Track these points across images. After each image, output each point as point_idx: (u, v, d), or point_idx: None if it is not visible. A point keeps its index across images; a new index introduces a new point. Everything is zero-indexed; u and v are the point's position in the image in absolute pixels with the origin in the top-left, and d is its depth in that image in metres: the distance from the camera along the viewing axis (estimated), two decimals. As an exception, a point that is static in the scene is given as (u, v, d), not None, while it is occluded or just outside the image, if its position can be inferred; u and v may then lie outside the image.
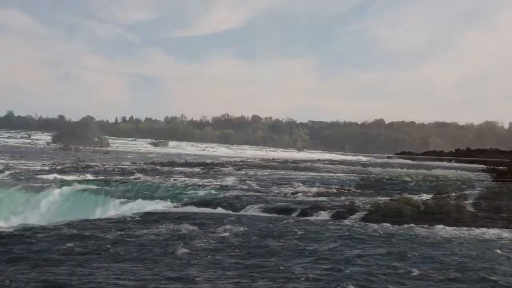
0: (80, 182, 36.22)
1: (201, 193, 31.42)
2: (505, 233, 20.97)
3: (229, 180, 38.88)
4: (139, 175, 42.12)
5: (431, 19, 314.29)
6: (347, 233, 19.94)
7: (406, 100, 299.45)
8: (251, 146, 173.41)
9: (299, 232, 19.83)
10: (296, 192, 33.38)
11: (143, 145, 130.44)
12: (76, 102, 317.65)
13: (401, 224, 22.25)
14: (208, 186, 35.83)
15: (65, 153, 78.11)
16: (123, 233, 18.69)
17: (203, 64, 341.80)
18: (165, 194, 31.33)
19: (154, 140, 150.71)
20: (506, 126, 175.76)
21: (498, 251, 17.42)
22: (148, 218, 22.25)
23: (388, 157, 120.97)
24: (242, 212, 25.88)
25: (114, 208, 27.79)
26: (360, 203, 26.75)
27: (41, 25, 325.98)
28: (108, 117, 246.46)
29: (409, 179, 52.63)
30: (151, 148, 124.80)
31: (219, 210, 26.37)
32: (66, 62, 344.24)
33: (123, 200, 29.18)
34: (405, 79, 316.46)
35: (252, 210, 26.23)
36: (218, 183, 37.92)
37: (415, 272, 14.44)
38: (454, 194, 27.41)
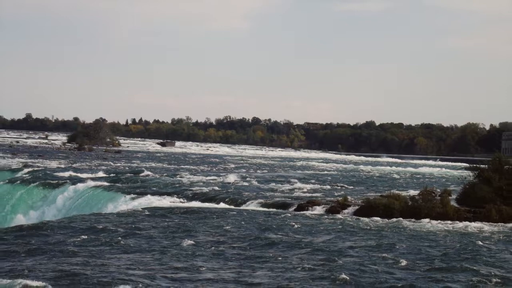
0: (93, 179, 36.20)
1: (205, 189, 31.37)
2: (486, 227, 20.98)
3: (231, 177, 38.82)
4: (148, 172, 42.07)
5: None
6: (340, 227, 19.93)
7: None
8: (252, 146, 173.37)
9: (295, 226, 19.83)
10: (293, 189, 33.36)
11: (151, 145, 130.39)
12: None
13: (390, 218, 22.25)
14: (212, 183, 35.81)
15: (80, 153, 78.15)
16: (133, 226, 18.67)
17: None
18: (172, 190, 31.30)
19: (161, 141, 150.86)
20: (487, 128, 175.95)
21: (480, 243, 17.42)
22: (156, 213, 22.23)
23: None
24: (243, 207, 25.87)
25: (125, 203, 27.74)
26: (352, 199, 26.75)
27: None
28: (119, 118, 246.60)
29: (398, 176, 52.66)
30: (159, 147, 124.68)
31: (222, 205, 26.34)
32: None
33: (133, 195, 29.12)
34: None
35: (253, 205, 26.22)
36: (221, 180, 37.88)
37: (403, 262, 14.44)
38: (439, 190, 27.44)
